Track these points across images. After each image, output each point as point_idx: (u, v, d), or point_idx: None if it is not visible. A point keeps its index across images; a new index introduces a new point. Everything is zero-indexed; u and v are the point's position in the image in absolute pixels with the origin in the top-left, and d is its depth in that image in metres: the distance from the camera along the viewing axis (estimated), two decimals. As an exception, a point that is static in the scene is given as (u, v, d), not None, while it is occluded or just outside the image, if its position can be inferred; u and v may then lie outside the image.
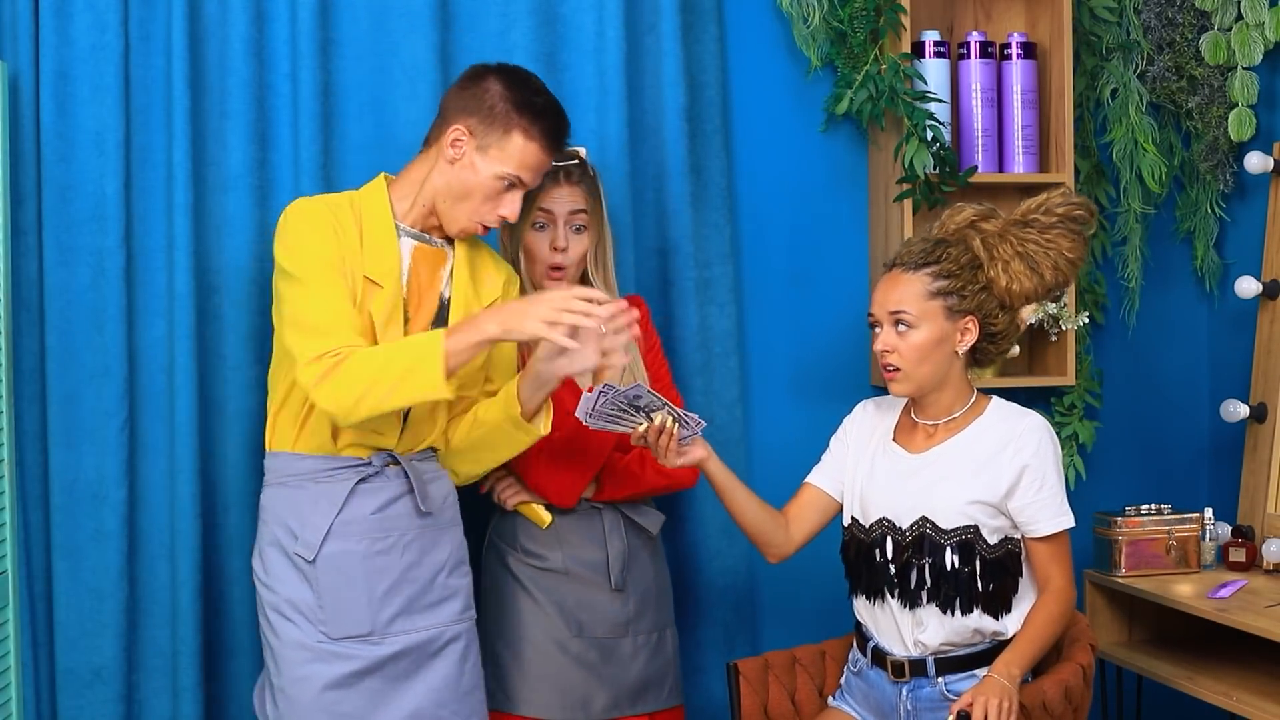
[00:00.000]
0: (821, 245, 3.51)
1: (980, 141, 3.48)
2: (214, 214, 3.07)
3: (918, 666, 2.80)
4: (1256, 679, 3.12)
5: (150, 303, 3.05)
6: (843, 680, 2.98)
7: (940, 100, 3.36)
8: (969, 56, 3.49)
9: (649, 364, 3.03)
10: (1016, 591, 2.80)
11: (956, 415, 2.84)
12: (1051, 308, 3.41)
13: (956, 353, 2.81)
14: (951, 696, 2.76)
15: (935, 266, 2.78)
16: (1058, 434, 3.52)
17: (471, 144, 2.72)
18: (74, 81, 2.99)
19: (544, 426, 2.79)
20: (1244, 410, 3.50)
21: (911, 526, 2.80)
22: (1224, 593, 3.19)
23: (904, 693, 2.81)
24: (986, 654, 2.77)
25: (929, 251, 2.79)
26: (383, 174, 2.84)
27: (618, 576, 2.98)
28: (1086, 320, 3.51)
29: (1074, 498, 3.59)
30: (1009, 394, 3.60)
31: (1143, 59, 3.62)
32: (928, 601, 2.78)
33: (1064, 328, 3.44)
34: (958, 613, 2.76)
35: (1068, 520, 2.80)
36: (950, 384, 2.83)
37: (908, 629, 2.80)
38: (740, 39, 3.44)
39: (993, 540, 2.78)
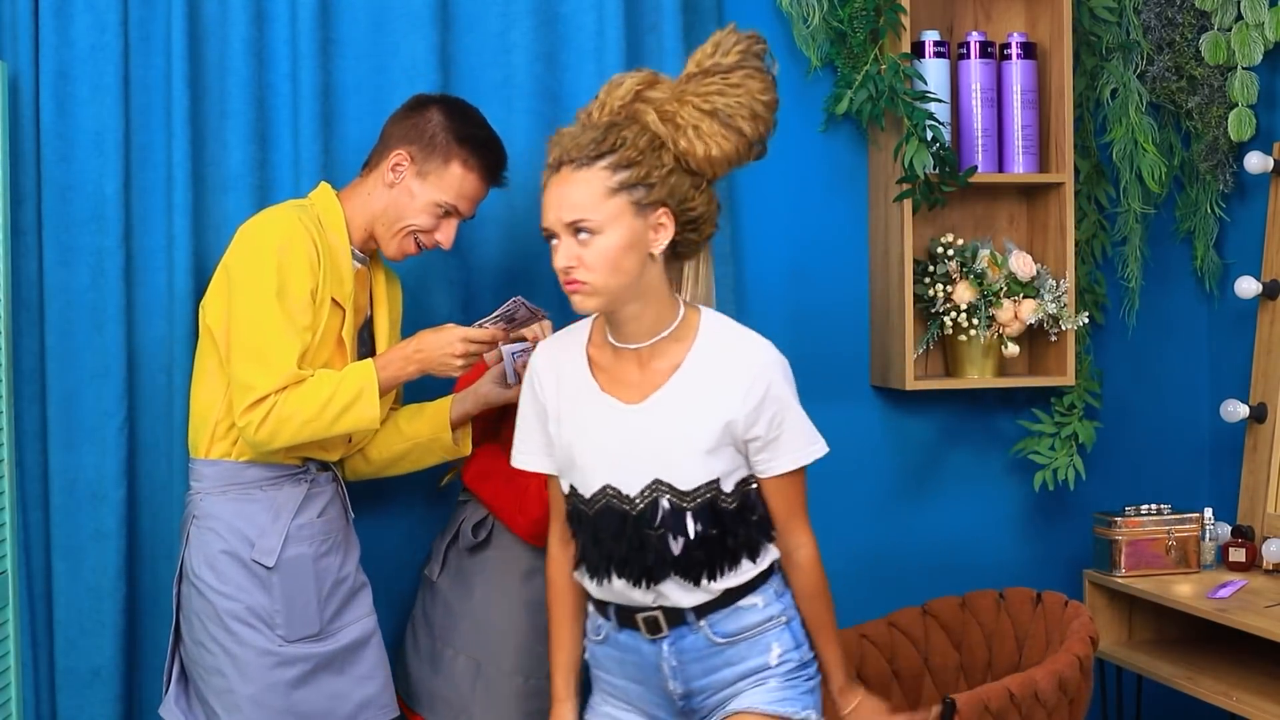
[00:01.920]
0: (821, 245, 3.51)
1: (980, 141, 3.47)
2: (214, 214, 3.07)
3: (673, 615, 2.45)
4: (1256, 679, 3.12)
5: (150, 303, 3.05)
6: (587, 655, 2.59)
7: (940, 100, 3.35)
8: (969, 56, 3.49)
9: None
10: (767, 532, 2.49)
11: (664, 335, 2.42)
12: (1051, 307, 3.41)
13: (653, 255, 2.38)
14: (719, 639, 2.46)
15: (612, 156, 2.33)
16: (1057, 434, 3.53)
17: (411, 170, 2.81)
18: (74, 81, 2.99)
19: (465, 447, 2.96)
20: (1244, 410, 3.50)
21: (643, 493, 2.41)
22: (1224, 593, 3.19)
23: (664, 649, 2.47)
24: (750, 583, 2.47)
25: (600, 140, 2.34)
26: (324, 184, 2.89)
27: (428, 566, 3.01)
28: (1086, 320, 3.51)
29: (1074, 497, 3.62)
30: (1009, 394, 3.62)
31: (1143, 59, 3.62)
32: (668, 577, 2.43)
33: (1064, 328, 3.44)
34: (704, 580, 2.43)
35: (816, 449, 2.48)
36: (650, 295, 2.40)
37: (645, 599, 2.45)
38: (740, 39, 3.44)
39: (729, 488, 2.43)
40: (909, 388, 3.37)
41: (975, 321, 3.39)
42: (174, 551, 3.03)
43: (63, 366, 3.00)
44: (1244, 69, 3.52)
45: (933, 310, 3.44)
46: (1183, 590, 3.25)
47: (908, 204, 3.34)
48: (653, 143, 2.35)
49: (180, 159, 3.01)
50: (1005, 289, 3.42)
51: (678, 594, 2.44)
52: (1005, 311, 3.41)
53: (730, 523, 2.43)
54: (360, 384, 2.68)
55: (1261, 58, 3.50)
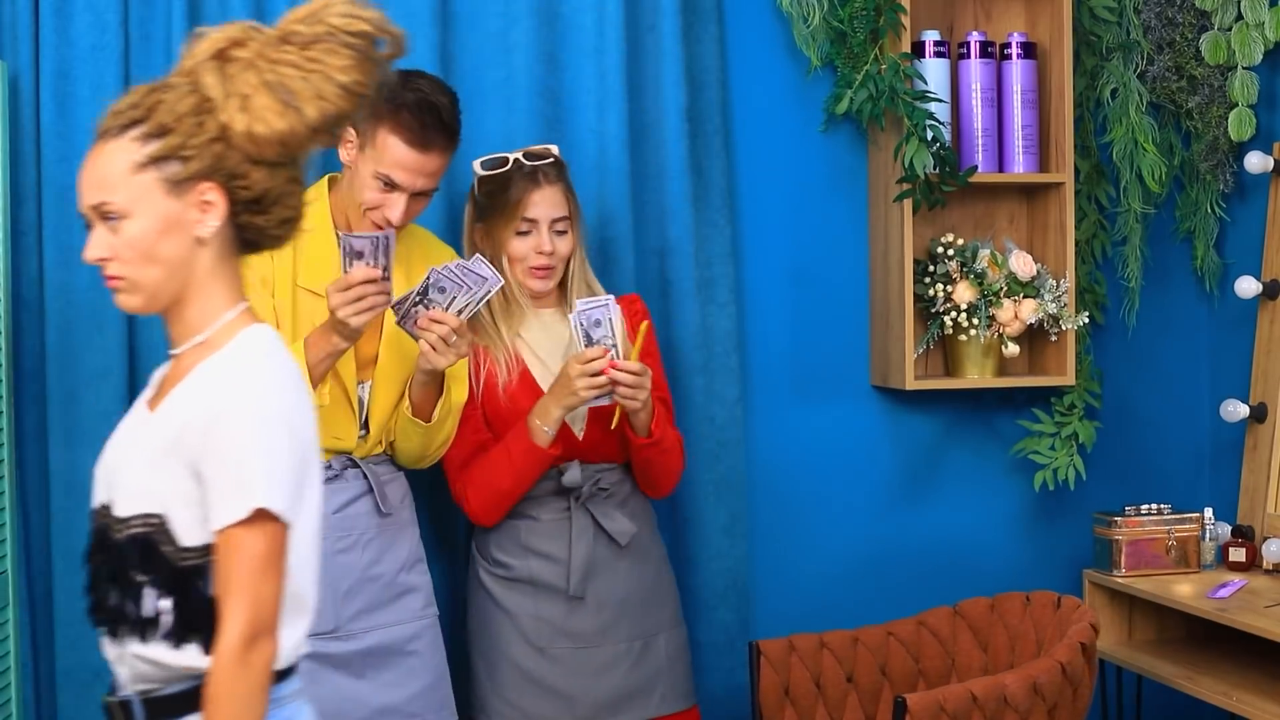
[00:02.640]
0: (821, 245, 3.51)
1: (980, 141, 3.47)
2: (214, 214, 3.07)
3: (127, 710, 1.97)
4: (1256, 679, 3.11)
5: (150, 303, 3.05)
6: None
7: (940, 100, 3.35)
8: (969, 56, 3.49)
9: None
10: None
11: (199, 339, 2.00)
12: (1051, 307, 3.41)
13: (200, 239, 1.96)
14: None
15: (144, 125, 1.94)
16: (1057, 434, 3.53)
17: (356, 144, 2.74)
18: (74, 81, 3.00)
19: (425, 415, 2.83)
20: (1244, 410, 3.50)
21: (99, 515, 2.03)
22: (1224, 593, 3.19)
23: None
24: (198, 694, 1.91)
25: (136, 105, 1.95)
26: (328, 176, 2.89)
27: (576, 584, 2.90)
28: (1086, 320, 3.51)
29: (1074, 498, 3.61)
30: (1009, 394, 3.62)
31: (1143, 59, 3.62)
32: (99, 623, 2.00)
33: (1064, 328, 3.44)
34: (125, 641, 1.95)
35: (250, 499, 1.87)
36: (200, 289, 1.99)
37: (110, 653, 2.02)
38: (740, 39, 3.44)
39: (188, 540, 1.92)
40: (909, 388, 3.37)
41: (975, 321, 3.39)
42: (174, 551, 3.04)
43: (63, 366, 3.00)
44: (1244, 69, 3.52)
45: (933, 310, 3.44)
46: (1183, 590, 3.25)
47: (908, 204, 3.34)
48: (198, 107, 1.94)
49: (180, 159, 3.02)
50: (1005, 289, 3.42)
51: (113, 655, 1.99)
52: (1005, 311, 3.41)
53: (178, 585, 1.92)
54: None
55: (1261, 58, 3.50)
